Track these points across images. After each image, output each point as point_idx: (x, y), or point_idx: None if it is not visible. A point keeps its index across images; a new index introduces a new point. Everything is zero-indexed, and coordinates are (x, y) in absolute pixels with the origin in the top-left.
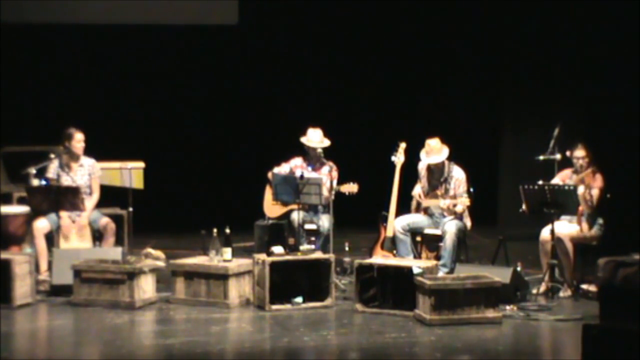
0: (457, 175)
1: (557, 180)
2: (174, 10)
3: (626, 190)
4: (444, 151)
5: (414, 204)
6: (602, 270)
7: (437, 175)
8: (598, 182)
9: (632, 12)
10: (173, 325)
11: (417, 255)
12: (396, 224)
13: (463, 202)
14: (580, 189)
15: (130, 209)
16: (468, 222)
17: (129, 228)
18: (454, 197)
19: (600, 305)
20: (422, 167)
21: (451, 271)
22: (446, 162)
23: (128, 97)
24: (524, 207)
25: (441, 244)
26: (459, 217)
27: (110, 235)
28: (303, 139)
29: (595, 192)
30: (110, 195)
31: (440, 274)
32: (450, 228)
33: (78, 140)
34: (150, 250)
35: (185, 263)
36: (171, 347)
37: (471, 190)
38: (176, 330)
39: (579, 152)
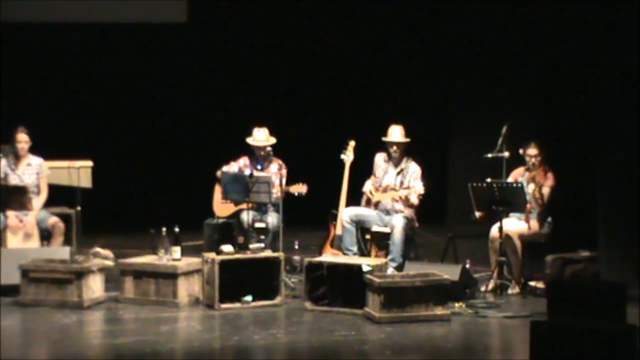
0: (413, 169)
1: (511, 179)
2: (121, 8)
3: (574, 188)
4: (404, 136)
5: (364, 200)
6: (550, 267)
7: (393, 167)
8: (550, 180)
9: (582, 10)
10: (122, 325)
11: (366, 253)
12: (344, 214)
13: (417, 191)
14: (531, 187)
15: (79, 208)
16: (415, 221)
17: (77, 227)
18: (408, 188)
19: (548, 302)
20: (379, 158)
21: (400, 266)
22: (405, 157)
23: (76, 96)
24: (477, 214)
25: (390, 240)
26: (409, 209)
27: (58, 235)
28: (249, 140)
29: (546, 191)
30: (58, 195)
31: (390, 269)
32: (397, 223)
33: (19, 140)
34: (98, 249)
35: (134, 262)
36: (120, 346)
37: None
38: (125, 330)
39: (532, 150)
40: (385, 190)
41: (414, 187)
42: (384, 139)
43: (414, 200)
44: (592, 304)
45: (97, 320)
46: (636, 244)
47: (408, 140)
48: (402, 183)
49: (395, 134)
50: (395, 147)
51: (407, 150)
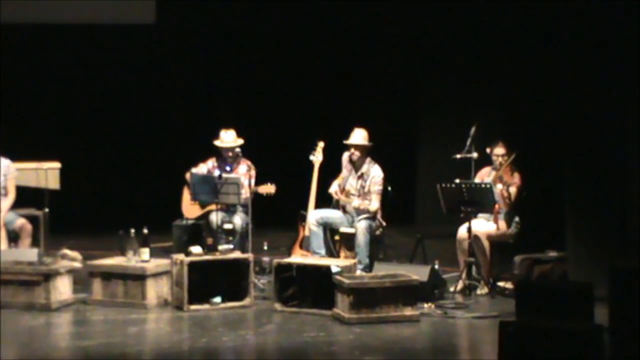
0: (374, 173)
1: (477, 179)
2: (89, 10)
3: (542, 188)
4: (365, 140)
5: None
6: (518, 267)
7: (355, 170)
8: (516, 180)
9: (547, 10)
10: (90, 327)
11: (335, 254)
12: (310, 217)
13: (364, 205)
14: (499, 187)
15: (47, 210)
16: (381, 221)
17: (45, 229)
18: (368, 193)
19: (517, 302)
20: (345, 158)
21: (367, 267)
22: (367, 160)
23: (44, 97)
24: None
25: (355, 244)
26: (372, 216)
27: (26, 237)
28: (217, 142)
29: (513, 190)
30: (26, 196)
31: (357, 271)
32: (360, 225)
33: None
34: (66, 251)
35: (102, 264)
36: (88, 348)
37: (389, 189)
38: (93, 332)
39: (499, 150)
40: (347, 195)
41: (367, 203)
42: (345, 141)
43: (373, 208)
44: (560, 304)
45: (65, 322)
46: (603, 244)
47: (366, 144)
48: (362, 187)
49: (354, 136)
50: (353, 150)
51: (372, 153)
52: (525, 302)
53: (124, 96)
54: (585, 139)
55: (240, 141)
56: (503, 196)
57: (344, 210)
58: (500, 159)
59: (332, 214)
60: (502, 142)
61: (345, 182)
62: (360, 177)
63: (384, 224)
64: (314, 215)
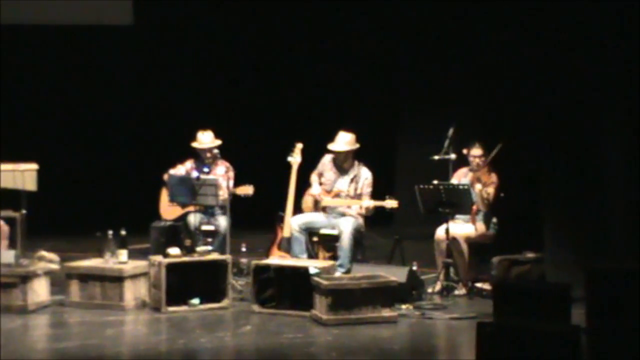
0: (366, 175)
1: (454, 181)
2: (66, 10)
3: (520, 189)
4: (349, 144)
5: (306, 201)
6: (496, 268)
7: (344, 173)
8: (493, 179)
9: (524, 11)
10: (67, 329)
11: (314, 255)
12: (293, 222)
13: (391, 205)
14: (478, 187)
15: (24, 211)
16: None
17: (22, 231)
18: (360, 196)
19: (494, 303)
20: (327, 159)
21: (348, 271)
22: (355, 162)
23: (21, 98)
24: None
25: (338, 244)
26: (365, 215)
27: (3, 238)
28: (194, 144)
29: (490, 190)
30: (3, 198)
31: (338, 274)
32: (346, 227)
33: None
34: (44, 252)
35: (79, 265)
36: (66, 350)
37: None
38: (71, 334)
39: (476, 151)
40: (337, 195)
41: (367, 196)
42: (330, 148)
43: (373, 204)
44: (537, 305)
45: (42, 324)
46: (581, 245)
47: (352, 148)
48: (355, 189)
49: (337, 142)
50: (335, 156)
51: (357, 155)
52: (502, 303)
53: (102, 97)
54: (563, 140)
55: (218, 142)
56: (482, 197)
57: (324, 211)
58: (477, 160)
59: (315, 219)
60: (479, 143)
61: (333, 183)
62: (353, 179)
63: (363, 229)
64: (297, 221)
